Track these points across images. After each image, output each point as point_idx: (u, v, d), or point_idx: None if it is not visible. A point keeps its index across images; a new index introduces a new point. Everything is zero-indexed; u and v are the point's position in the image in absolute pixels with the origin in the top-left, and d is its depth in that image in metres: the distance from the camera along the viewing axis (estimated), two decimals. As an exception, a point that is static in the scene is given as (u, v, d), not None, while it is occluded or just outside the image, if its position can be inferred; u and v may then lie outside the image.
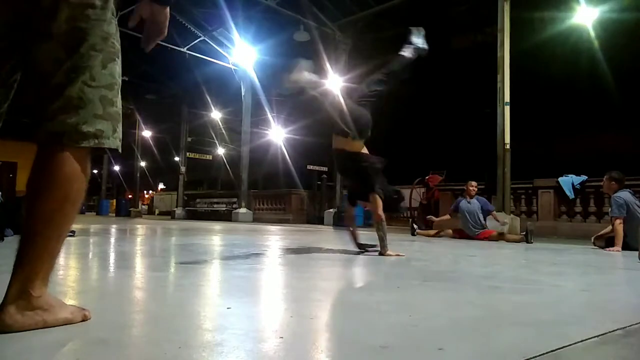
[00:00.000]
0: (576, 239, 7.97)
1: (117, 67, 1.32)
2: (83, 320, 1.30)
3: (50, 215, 1.21)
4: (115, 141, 1.29)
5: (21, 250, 1.20)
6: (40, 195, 1.21)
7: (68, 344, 1.14)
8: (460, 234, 7.52)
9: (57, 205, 1.21)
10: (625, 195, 5.60)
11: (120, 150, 1.32)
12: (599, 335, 1.32)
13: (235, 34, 15.19)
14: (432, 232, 8.19)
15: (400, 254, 3.80)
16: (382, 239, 3.78)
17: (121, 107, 1.34)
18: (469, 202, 7.53)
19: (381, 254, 3.77)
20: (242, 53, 15.99)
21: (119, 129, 1.32)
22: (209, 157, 24.33)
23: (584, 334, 1.31)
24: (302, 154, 21.54)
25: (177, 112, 21.79)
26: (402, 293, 2.09)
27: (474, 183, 7.72)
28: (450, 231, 7.75)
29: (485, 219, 7.46)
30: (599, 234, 5.80)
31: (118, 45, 1.32)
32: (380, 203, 3.78)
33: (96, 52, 1.25)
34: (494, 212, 7.62)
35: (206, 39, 15.97)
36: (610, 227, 5.67)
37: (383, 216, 3.78)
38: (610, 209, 5.57)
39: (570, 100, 18.17)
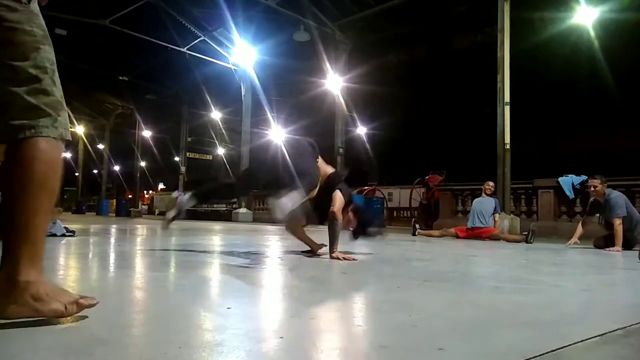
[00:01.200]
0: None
1: (44, 53, 1.26)
2: (80, 311, 1.29)
3: (18, 199, 1.20)
4: (56, 130, 1.25)
5: (2, 240, 1.21)
6: (5, 183, 1.22)
7: (68, 343, 1.14)
8: (463, 234, 7.54)
9: (22, 188, 1.21)
10: (621, 194, 5.70)
11: (68, 138, 1.29)
12: (599, 335, 1.32)
13: (235, 34, 15.21)
14: (436, 232, 8.24)
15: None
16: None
17: (60, 93, 1.30)
18: (484, 197, 7.80)
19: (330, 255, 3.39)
20: (242, 53, 16.00)
21: (62, 117, 1.28)
22: (209, 157, 24.36)
23: (584, 334, 1.31)
24: (302, 154, 21.49)
25: (177, 112, 21.82)
26: (402, 293, 2.09)
27: (491, 183, 7.99)
28: (452, 230, 7.78)
29: (492, 218, 7.60)
30: (577, 235, 5.80)
31: (40, 31, 1.27)
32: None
33: (7, 45, 1.21)
34: (497, 215, 7.68)
35: (206, 39, 15.98)
36: (580, 226, 5.87)
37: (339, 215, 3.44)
38: (611, 210, 5.56)
39: (570, 100, 18.16)
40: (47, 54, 1.28)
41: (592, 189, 5.74)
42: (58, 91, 1.30)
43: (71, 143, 1.42)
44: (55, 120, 1.26)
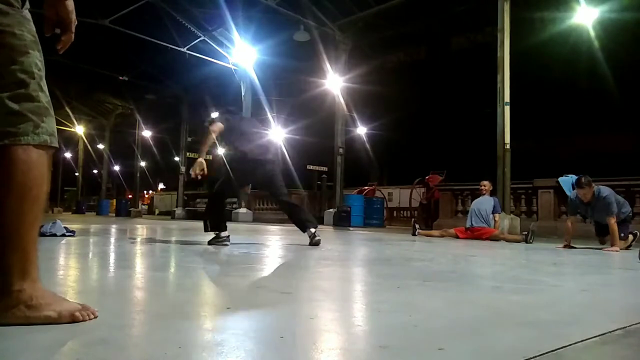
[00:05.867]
0: (576, 239, 7.94)
1: (32, 58, 1.25)
2: (73, 322, 1.26)
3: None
4: (37, 137, 1.23)
5: None
6: None
7: (68, 343, 1.14)
8: (463, 235, 7.51)
9: (1, 199, 1.20)
10: (609, 190, 5.57)
11: (53, 145, 1.27)
12: (599, 335, 1.32)
13: (235, 34, 15.19)
14: (436, 232, 8.21)
15: None
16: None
17: (47, 99, 1.27)
18: (482, 197, 7.78)
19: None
20: (242, 53, 15.98)
21: (46, 122, 1.26)
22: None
23: (584, 334, 1.31)
24: (302, 154, 21.56)
25: (177, 112, 21.79)
26: (402, 293, 2.09)
27: (485, 182, 7.90)
28: (452, 231, 7.75)
29: (492, 218, 7.54)
30: (568, 236, 5.62)
31: (29, 36, 1.26)
32: None
33: None
34: (497, 215, 7.62)
35: (206, 39, 15.97)
36: (569, 227, 5.67)
37: None
38: (603, 210, 5.43)
39: (570, 100, 18.16)
40: (35, 59, 1.27)
41: (583, 195, 5.48)
42: (45, 97, 1.28)
43: (58, 149, 1.33)
44: (37, 127, 1.23)
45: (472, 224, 7.48)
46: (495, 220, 7.54)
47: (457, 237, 7.51)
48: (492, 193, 8.10)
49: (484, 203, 7.60)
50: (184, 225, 10.69)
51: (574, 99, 18.04)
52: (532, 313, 1.69)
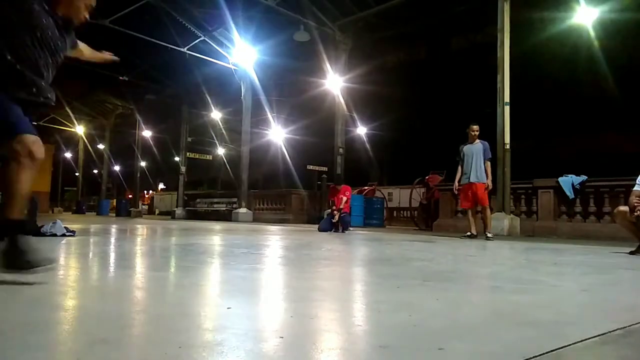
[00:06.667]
0: (576, 239, 7.97)
1: None
2: None
3: None
4: None
5: None
6: None
7: (68, 343, 1.14)
8: (468, 203, 7.51)
9: None
10: None
11: None
12: (599, 335, 1.32)
13: (235, 34, 15.19)
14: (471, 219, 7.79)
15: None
16: None
17: None
18: (472, 144, 7.62)
19: None
20: (242, 53, 15.98)
21: None
22: (209, 157, 24.36)
23: (584, 334, 1.31)
24: (302, 154, 21.56)
25: (177, 112, 21.80)
26: (402, 293, 2.09)
27: (474, 127, 7.67)
28: (469, 215, 7.65)
29: (484, 165, 7.46)
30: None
31: None
32: None
33: None
34: (487, 163, 7.54)
35: (206, 39, 15.97)
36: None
37: None
38: None
39: (570, 100, 18.15)
40: None
41: None
42: None
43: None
44: None
45: (468, 179, 7.40)
46: (486, 169, 7.47)
47: (465, 212, 7.41)
48: (492, 193, 8.07)
49: (476, 151, 7.50)
50: (184, 225, 10.68)
51: (574, 99, 18.02)
52: (532, 313, 1.69)
